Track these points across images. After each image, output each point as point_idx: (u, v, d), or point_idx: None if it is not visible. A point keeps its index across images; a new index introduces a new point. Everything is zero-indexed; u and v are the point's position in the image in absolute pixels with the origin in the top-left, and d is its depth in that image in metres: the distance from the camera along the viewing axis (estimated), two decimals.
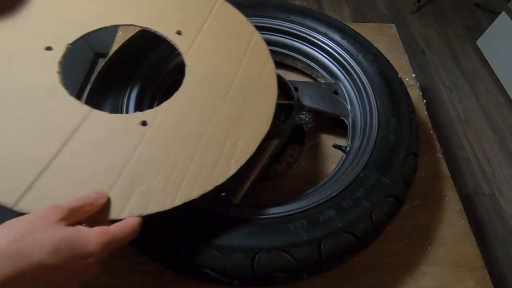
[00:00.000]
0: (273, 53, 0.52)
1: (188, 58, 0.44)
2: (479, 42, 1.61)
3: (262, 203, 0.44)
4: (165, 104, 0.40)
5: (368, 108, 0.54)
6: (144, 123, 0.38)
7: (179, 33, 0.46)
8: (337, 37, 0.62)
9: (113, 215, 0.32)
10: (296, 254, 0.38)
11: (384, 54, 0.60)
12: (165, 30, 0.46)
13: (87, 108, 0.37)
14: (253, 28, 0.50)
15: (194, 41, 0.46)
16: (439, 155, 0.62)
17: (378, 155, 0.47)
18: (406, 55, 0.78)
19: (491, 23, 1.52)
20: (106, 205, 0.31)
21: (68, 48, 0.42)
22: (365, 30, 0.72)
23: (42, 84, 0.38)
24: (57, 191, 0.32)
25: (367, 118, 0.53)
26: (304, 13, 0.64)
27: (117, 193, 0.33)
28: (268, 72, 0.45)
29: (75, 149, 0.34)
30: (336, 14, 1.76)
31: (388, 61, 0.58)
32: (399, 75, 0.57)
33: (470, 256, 0.51)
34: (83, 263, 0.26)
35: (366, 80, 0.56)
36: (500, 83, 1.48)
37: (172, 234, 0.39)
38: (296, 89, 0.56)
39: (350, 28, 0.63)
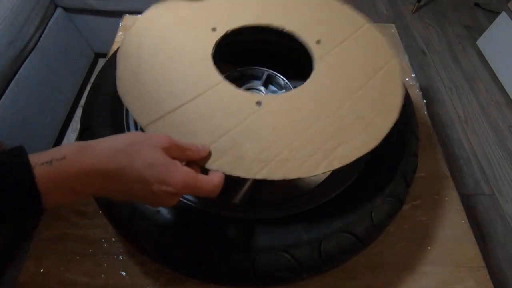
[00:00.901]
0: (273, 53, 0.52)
1: (318, 64, 0.49)
2: (479, 42, 1.61)
3: (262, 203, 0.44)
4: (284, 93, 0.45)
5: None
6: (259, 103, 0.43)
7: (318, 42, 0.51)
8: None
9: (205, 163, 0.36)
10: (296, 254, 0.38)
11: None
12: (307, 37, 0.52)
13: (220, 78, 0.45)
14: (393, 55, 0.50)
15: (329, 51, 0.50)
16: (439, 155, 0.62)
17: (378, 155, 0.47)
18: (406, 55, 0.78)
19: (491, 23, 1.52)
20: (204, 156, 0.37)
21: (226, 33, 0.51)
22: None
23: (200, 52, 0.48)
24: (174, 130, 0.39)
25: None
26: None
27: (215, 147, 0.38)
28: (395, 96, 0.45)
29: (200, 103, 0.42)
30: None
31: None
32: None
33: (470, 256, 0.51)
34: (165, 188, 0.30)
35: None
36: (500, 83, 1.48)
37: (172, 234, 0.39)
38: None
39: None
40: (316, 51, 0.50)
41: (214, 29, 0.51)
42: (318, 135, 0.40)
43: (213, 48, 0.49)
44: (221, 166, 0.37)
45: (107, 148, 0.29)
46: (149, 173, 0.29)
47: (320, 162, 0.38)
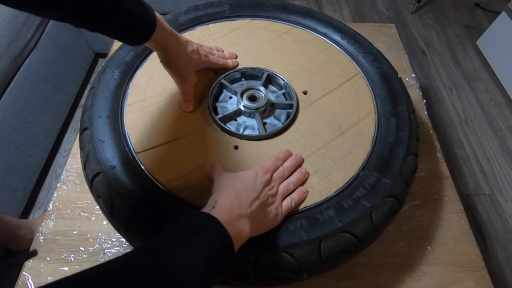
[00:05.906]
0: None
1: (300, 115, 0.52)
2: (479, 42, 1.61)
3: None
4: (260, 142, 0.49)
5: None
6: (236, 147, 0.48)
7: (305, 93, 0.54)
8: (337, 37, 0.62)
9: None
10: (296, 254, 0.38)
11: (384, 54, 0.60)
12: (296, 87, 0.55)
13: (210, 120, 0.50)
14: (372, 109, 0.52)
15: (313, 103, 0.53)
16: (439, 155, 0.62)
17: (378, 155, 0.47)
18: (406, 55, 0.78)
19: (491, 23, 1.52)
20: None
21: (225, 77, 0.56)
22: (365, 30, 0.72)
23: (199, 92, 0.54)
24: (158, 160, 0.45)
25: None
26: (304, 13, 0.64)
27: (188, 179, 0.44)
28: (360, 152, 0.47)
29: (186, 142, 0.47)
30: (336, 14, 1.76)
31: (388, 61, 0.58)
32: (399, 75, 0.57)
33: (470, 256, 0.51)
34: (262, 176, 0.41)
35: (366, 80, 0.56)
36: (500, 83, 1.48)
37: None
38: None
39: (350, 28, 0.63)
40: (301, 103, 0.53)
41: (216, 73, 0.56)
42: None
43: (212, 88, 0.54)
44: (188, 196, 0.42)
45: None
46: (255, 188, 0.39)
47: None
